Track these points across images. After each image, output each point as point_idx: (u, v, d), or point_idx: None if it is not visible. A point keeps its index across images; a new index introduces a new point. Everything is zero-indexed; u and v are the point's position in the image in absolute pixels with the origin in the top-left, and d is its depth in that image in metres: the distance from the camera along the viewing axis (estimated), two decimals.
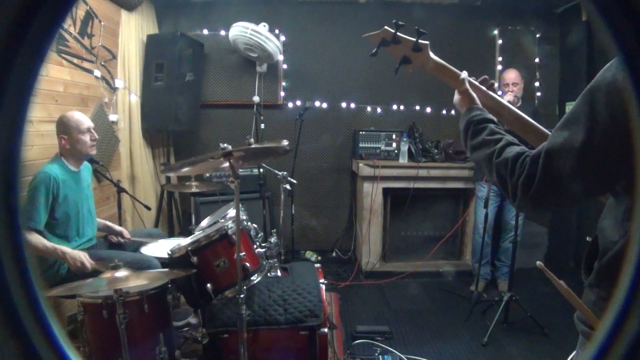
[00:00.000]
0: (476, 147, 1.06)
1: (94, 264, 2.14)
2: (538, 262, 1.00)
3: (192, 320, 2.77)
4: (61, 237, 2.27)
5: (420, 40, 1.20)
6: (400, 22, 1.17)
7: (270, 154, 2.13)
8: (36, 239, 2.10)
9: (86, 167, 2.57)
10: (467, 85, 1.20)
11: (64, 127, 2.33)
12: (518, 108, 1.19)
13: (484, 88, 1.23)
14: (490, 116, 1.12)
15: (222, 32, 4.31)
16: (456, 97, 1.23)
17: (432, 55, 1.23)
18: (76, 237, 2.36)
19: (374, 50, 1.23)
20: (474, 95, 1.19)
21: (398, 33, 1.19)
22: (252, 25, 3.79)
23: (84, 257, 2.14)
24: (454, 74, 1.23)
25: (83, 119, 2.38)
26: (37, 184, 2.15)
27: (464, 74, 1.22)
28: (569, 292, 0.89)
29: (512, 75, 3.50)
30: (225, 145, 1.87)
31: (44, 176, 2.17)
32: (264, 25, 3.85)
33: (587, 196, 0.90)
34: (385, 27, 1.19)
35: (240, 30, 3.82)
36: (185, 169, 1.91)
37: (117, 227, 2.68)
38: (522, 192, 0.90)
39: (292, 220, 3.94)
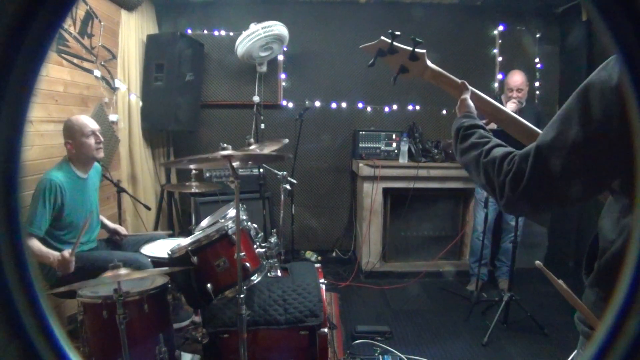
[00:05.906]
0: (465, 150, 1.07)
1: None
2: (537, 262, 0.99)
3: (196, 318, 2.77)
4: (67, 244, 2.25)
5: (417, 49, 1.20)
6: (396, 32, 1.18)
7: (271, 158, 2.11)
8: (33, 244, 2.07)
9: (95, 170, 2.54)
10: (468, 95, 1.19)
11: (69, 132, 2.31)
12: (521, 111, 1.20)
13: (481, 94, 1.22)
14: (481, 122, 1.12)
15: (222, 32, 4.31)
16: (458, 104, 1.24)
17: (429, 63, 1.23)
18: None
19: (371, 61, 1.24)
20: (472, 105, 1.19)
21: (395, 43, 1.19)
22: (257, 27, 3.76)
23: (67, 257, 2.04)
24: (452, 81, 1.23)
25: (87, 121, 2.35)
26: (39, 191, 2.13)
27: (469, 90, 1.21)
28: (567, 292, 0.89)
29: (518, 79, 3.14)
30: (226, 145, 1.87)
31: (47, 183, 2.16)
32: (254, 24, 3.84)
33: (579, 197, 0.85)
34: (382, 37, 1.20)
35: (252, 38, 3.75)
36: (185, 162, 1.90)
37: (110, 225, 2.65)
38: (510, 190, 0.88)
39: (292, 220, 3.94)
